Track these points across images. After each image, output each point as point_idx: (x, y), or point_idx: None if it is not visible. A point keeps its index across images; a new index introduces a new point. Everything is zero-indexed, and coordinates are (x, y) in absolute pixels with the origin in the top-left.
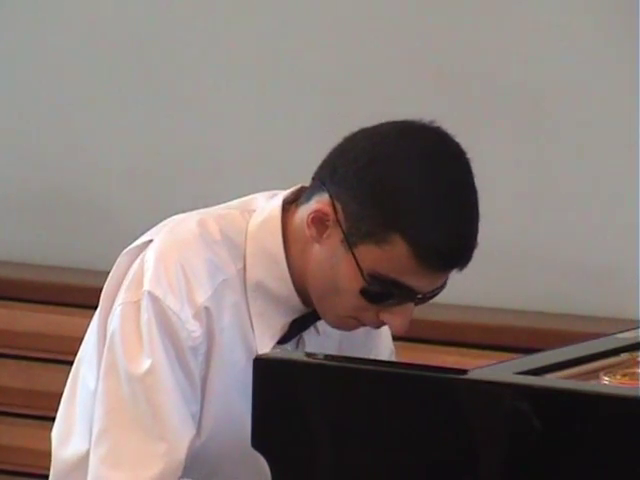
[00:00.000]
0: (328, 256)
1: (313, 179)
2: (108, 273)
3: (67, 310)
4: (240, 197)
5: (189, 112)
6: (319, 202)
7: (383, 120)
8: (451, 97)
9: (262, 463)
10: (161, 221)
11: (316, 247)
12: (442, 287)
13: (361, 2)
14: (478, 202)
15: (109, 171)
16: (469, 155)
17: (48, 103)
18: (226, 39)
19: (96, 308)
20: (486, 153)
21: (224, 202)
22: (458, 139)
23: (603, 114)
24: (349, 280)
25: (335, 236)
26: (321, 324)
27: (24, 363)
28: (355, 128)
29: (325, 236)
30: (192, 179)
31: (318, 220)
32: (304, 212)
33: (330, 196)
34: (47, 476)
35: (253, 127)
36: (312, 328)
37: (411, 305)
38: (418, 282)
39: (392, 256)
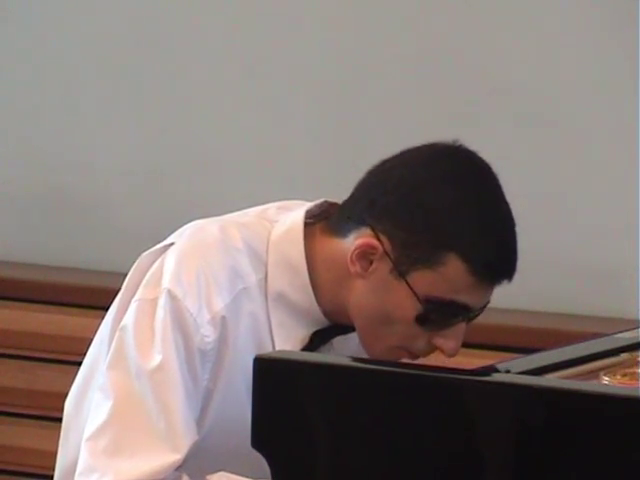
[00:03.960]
0: (375, 289)
1: (344, 216)
2: (108, 273)
3: (67, 310)
4: (240, 197)
5: (189, 112)
6: (362, 237)
7: (383, 120)
8: (452, 97)
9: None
10: (160, 221)
11: (360, 282)
12: (488, 301)
13: (362, 2)
14: (510, 209)
15: (109, 171)
16: None
17: (48, 103)
18: (226, 39)
19: (97, 308)
20: (486, 153)
21: (224, 202)
22: (459, 139)
23: (604, 115)
24: (403, 309)
25: (382, 268)
26: (337, 340)
27: (24, 363)
28: (355, 128)
29: (370, 270)
30: (192, 179)
31: (363, 255)
32: (340, 247)
33: (373, 230)
34: (48, 476)
35: (253, 127)
36: (330, 345)
37: (463, 325)
38: (473, 298)
39: (448, 276)
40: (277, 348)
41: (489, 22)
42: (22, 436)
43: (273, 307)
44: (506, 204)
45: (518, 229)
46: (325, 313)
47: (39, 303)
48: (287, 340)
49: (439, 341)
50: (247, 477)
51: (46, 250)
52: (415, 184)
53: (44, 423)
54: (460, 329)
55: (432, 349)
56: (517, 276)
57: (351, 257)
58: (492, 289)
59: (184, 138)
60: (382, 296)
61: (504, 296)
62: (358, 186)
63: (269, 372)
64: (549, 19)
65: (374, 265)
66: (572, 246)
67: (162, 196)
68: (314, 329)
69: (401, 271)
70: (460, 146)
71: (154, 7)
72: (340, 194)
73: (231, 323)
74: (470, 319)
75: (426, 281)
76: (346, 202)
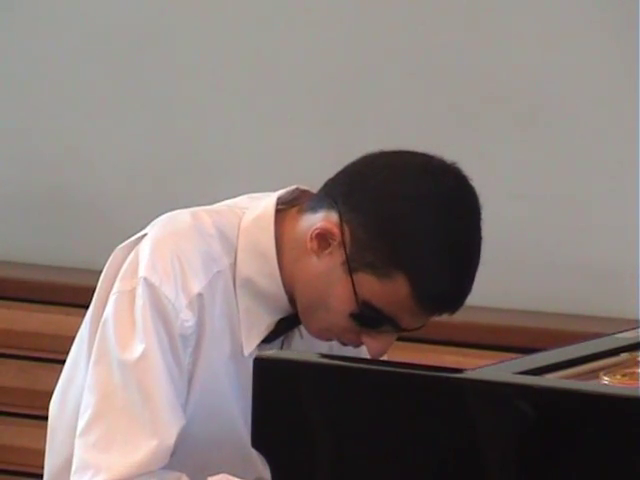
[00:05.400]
0: (324, 272)
1: (323, 191)
2: None
3: (67, 310)
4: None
5: (189, 112)
6: (327, 220)
7: (383, 121)
8: (452, 98)
9: (253, 456)
10: None
11: (314, 259)
12: (426, 323)
13: (363, 4)
14: (481, 248)
15: (109, 171)
16: (469, 155)
17: (48, 103)
18: (226, 39)
19: None
20: (486, 153)
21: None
22: (459, 139)
23: (603, 115)
24: (341, 302)
25: (336, 256)
26: (304, 329)
27: (24, 363)
28: (355, 129)
29: (326, 252)
30: (192, 179)
31: (322, 237)
32: (307, 222)
33: (340, 217)
34: None
35: (253, 127)
36: (296, 331)
37: (394, 335)
38: (408, 320)
39: (390, 292)
40: (243, 333)
41: (489, 23)
42: (22, 436)
43: (240, 293)
44: (478, 240)
45: (518, 229)
46: (291, 300)
47: (39, 303)
48: (253, 326)
49: (366, 340)
50: (232, 465)
51: (46, 250)
52: (394, 194)
53: (44, 423)
54: (390, 337)
55: (361, 343)
56: (517, 276)
57: (311, 234)
58: (434, 317)
59: (185, 138)
60: (327, 282)
61: (504, 296)
62: (349, 166)
63: (269, 372)
64: (549, 20)
65: (330, 249)
66: (572, 246)
67: (162, 196)
68: (280, 316)
69: (351, 267)
70: (455, 170)
71: (155, 7)
72: None
73: (208, 304)
74: (405, 333)
75: (370, 287)
76: (331, 179)
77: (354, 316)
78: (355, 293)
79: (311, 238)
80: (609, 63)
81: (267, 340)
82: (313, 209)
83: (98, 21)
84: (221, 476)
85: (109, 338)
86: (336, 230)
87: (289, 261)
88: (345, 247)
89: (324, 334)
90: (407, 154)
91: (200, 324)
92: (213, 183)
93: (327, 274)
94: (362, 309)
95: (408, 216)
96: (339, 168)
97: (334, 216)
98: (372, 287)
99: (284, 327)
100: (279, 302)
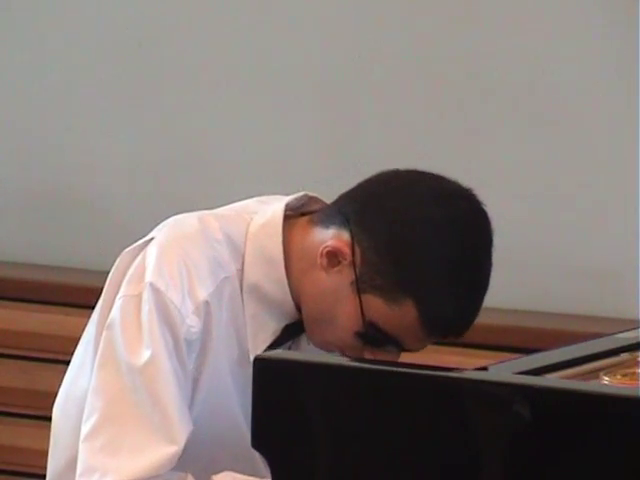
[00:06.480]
0: (332, 289)
1: (335, 206)
2: (108, 273)
3: (67, 310)
4: (240, 197)
5: (189, 112)
6: (339, 239)
7: (384, 122)
8: (453, 98)
9: (256, 456)
10: (161, 221)
11: (322, 274)
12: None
13: (363, 2)
14: (490, 275)
15: (109, 171)
16: (470, 155)
17: (48, 103)
18: (226, 39)
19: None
20: (487, 153)
21: (224, 202)
22: (459, 139)
23: (604, 115)
24: (347, 320)
25: (345, 275)
26: None
27: (24, 363)
28: (355, 130)
29: (335, 270)
30: (192, 179)
31: (333, 255)
32: (318, 236)
33: (352, 237)
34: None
35: (254, 127)
36: (303, 337)
37: (398, 353)
38: (413, 342)
39: (398, 317)
40: (249, 339)
41: (490, 23)
42: (22, 436)
43: (247, 298)
44: (487, 268)
45: (518, 230)
46: (297, 307)
47: (39, 303)
48: (259, 332)
49: (369, 356)
50: (236, 467)
51: (46, 250)
52: (408, 219)
53: (44, 423)
54: (393, 355)
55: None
56: (517, 276)
57: (322, 251)
58: (439, 340)
59: (184, 138)
60: (334, 299)
61: (504, 296)
62: (362, 184)
63: (269, 372)
64: (551, 20)
65: (339, 267)
66: (572, 246)
67: (162, 196)
68: (286, 322)
69: (360, 288)
70: (469, 195)
71: (156, 8)
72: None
73: (215, 310)
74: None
75: (377, 309)
76: (345, 194)
77: (359, 334)
78: (362, 313)
79: (321, 255)
80: (610, 64)
81: (274, 346)
82: (324, 223)
83: (99, 21)
84: (225, 474)
85: (116, 342)
86: (347, 250)
87: (297, 270)
88: (355, 268)
89: (327, 347)
90: (422, 176)
91: (206, 330)
92: (214, 183)
93: (335, 291)
94: (368, 329)
95: (420, 243)
96: (339, 168)
97: (345, 235)
98: (379, 309)
99: (290, 333)
100: (286, 308)
